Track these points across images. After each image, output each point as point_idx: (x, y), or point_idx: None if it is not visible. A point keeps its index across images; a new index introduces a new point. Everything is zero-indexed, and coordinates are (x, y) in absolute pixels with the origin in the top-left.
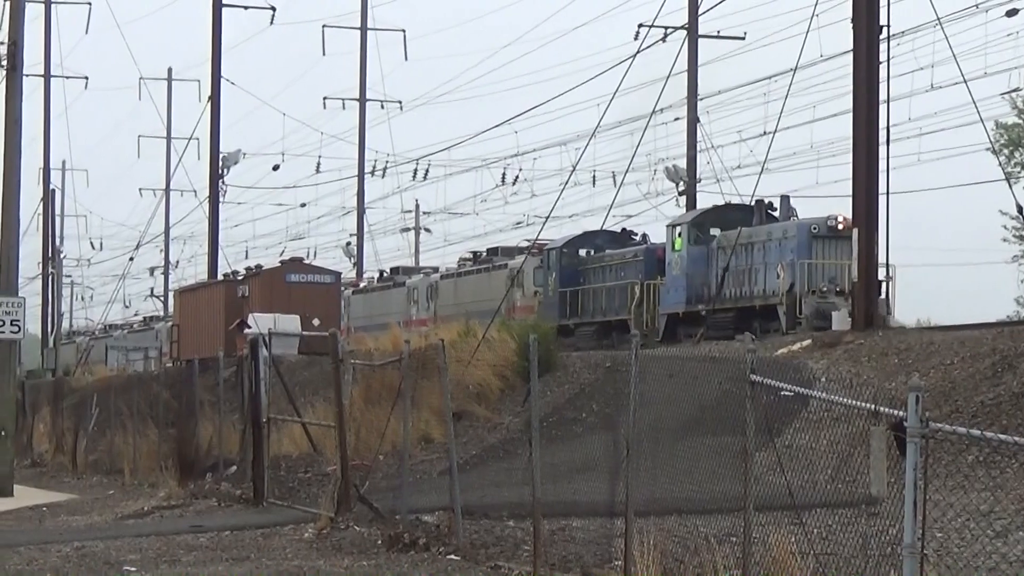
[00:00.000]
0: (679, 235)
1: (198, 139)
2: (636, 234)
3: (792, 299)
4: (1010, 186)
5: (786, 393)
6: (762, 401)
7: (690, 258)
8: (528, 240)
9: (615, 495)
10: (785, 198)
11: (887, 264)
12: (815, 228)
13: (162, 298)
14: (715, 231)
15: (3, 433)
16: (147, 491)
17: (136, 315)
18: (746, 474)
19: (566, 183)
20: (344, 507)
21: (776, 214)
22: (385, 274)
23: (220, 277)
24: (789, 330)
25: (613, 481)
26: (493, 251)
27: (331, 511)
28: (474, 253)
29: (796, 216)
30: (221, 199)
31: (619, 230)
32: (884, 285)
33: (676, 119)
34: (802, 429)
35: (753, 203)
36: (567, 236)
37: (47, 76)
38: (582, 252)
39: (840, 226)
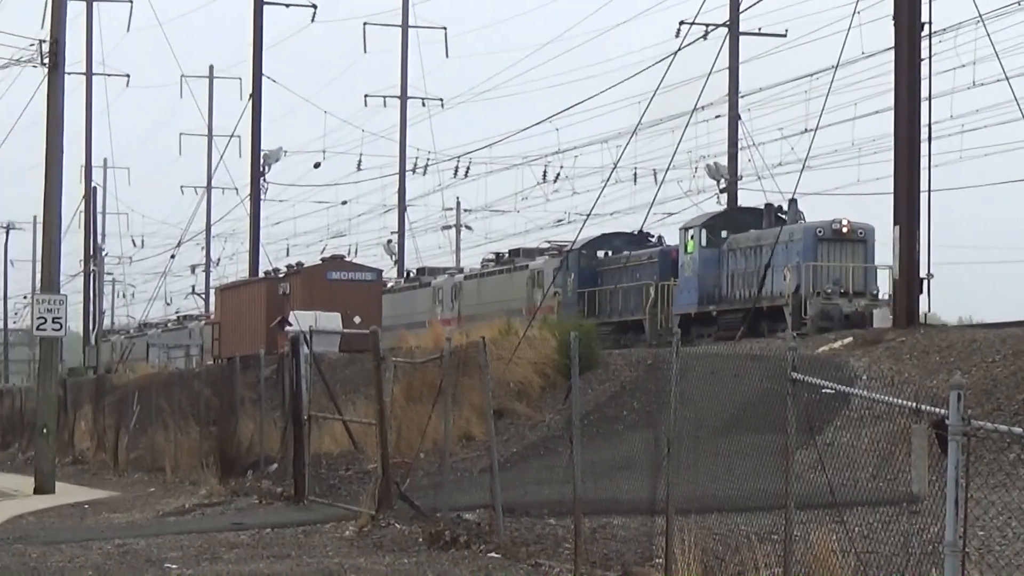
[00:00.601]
0: (691, 238)
1: (239, 137)
2: (652, 236)
3: (798, 300)
4: None
5: (827, 391)
6: (803, 399)
7: (702, 260)
8: (549, 241)
9: (656, 493)
10: (793, 202)
11: (928, 262)
12: (820, 231)
13: (203, 296)
14: (726, 233)
15: (45, 431)
16: (188, 488)
17: (176, 312)
18: (787, 472)
19: (607, 180)
20: (385, 505)
21: (785, 217)
22: (411, 274)
23: (261, 275)
24: (795, 330)
25: (654, 479)
26: (515, 252)
27: (372, 509)
28: (497, 254)
29: (803, 219)
30: (262, 197)
31: (635, 232)
32: (925, 283)
33: (717, 116)
34: (843, 427)
35: (763, 206)
36: (586, 238)
37: (89, 74)
38: (600, 253)
39: (845, 229)
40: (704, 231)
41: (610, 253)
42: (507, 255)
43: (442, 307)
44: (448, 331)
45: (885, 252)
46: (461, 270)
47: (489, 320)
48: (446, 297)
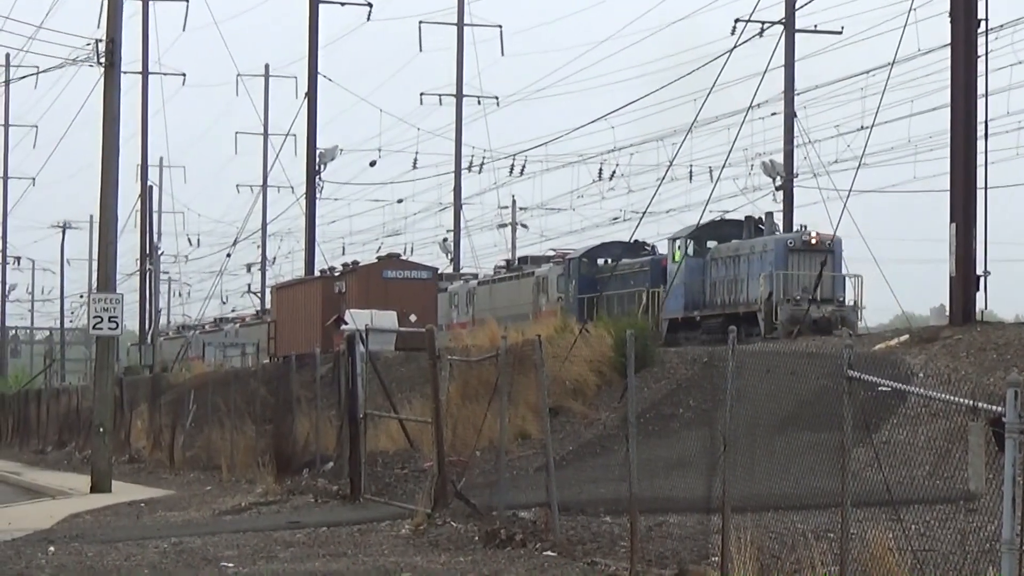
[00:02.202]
0: (678, 248)
1: (295, 135)
2: (648, 245)
3: (770, 306)
4: None
5: (884, 389)
6: (859, 397)
7: (687, 268)
8: (554, 250)
9: (712, 491)
10: (769, 215)
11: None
12: (791, 242)
13: (259, 294)
14: (712, 243)
15: (101, 430)
16: (244, 487)
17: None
18: (843, 470)
19: (663, 178)
20: (441, 503)
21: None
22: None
23: (317, 273)
24: (767, 335)
25: (710, 477)
26: (523, 260)
27: (428, 507)
28: (507, 261)
29: (778, 232)
30: (318, 195)
31: (632, 241)
32: (981, 280)
33: (773, 114)
34: (900, 425)
35: (744, 219)
36: (585, 247)
37: (144, 73)
38: (600, 261)
39: (813, 241)
40: (690, 242)
41: (609, 261)
42: (517, 263)
43: (458, 311)
44: (463, 334)
45: (852, 263)
46: (476, 276)
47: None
48: (461, 302)
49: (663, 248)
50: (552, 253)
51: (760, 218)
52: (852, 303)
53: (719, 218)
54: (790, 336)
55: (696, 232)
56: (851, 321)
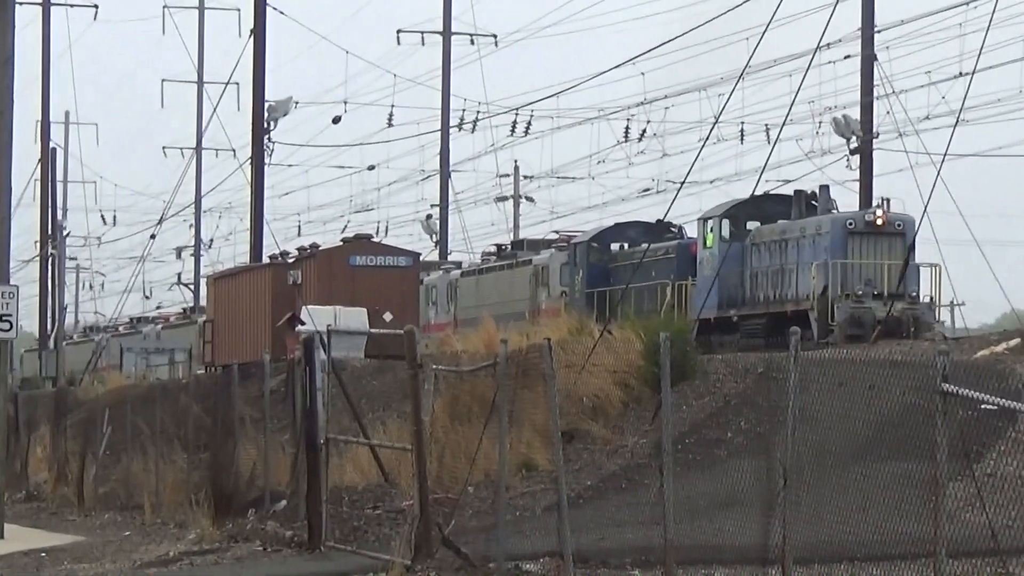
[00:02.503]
0: (711, 230)
1: (238, 84)
2: (675, 226)
3: (824, 304)
4: None
5: (988, 407)
6: (957, 417)
7: (722, 256)
8: (558, 232)
9: (769, 537)
10: (825, 188)
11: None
12: (851, 223)
13: (192, 286)
14: (753, 225)
15: None
16: (173, 532)
17: (157, 308)
18: (936, 510)
19: (706, 139)
20: (423, 552)
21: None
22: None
23: (266, 260)
24: (821, 339)
25: (766, 519)
26: (518, 244)
27: (407, 558)
28: (499, 246)
29: (836, 209)
30: (267, 160)
31: (655, 220)
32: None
33: (847, 57)
34: (1009, 453)
35: (793, 193)
36: (597, 228)
37: (46, 3)
38: (614, 247)
39: (879, 221)
40: (726, 222)
41: (626, 246)
42: (509, 248)
43: (436, 309)
44: (441, 338)
45: (948, 247)
46: (459, 265)
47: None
48: (441, 298)
49: (693, 231)
50: (555, 236)
51: (813, 192)
52: (928, 299)
53: (765, 192)
54: (872, 340)
55: (733, 210)
56: (926, 322)
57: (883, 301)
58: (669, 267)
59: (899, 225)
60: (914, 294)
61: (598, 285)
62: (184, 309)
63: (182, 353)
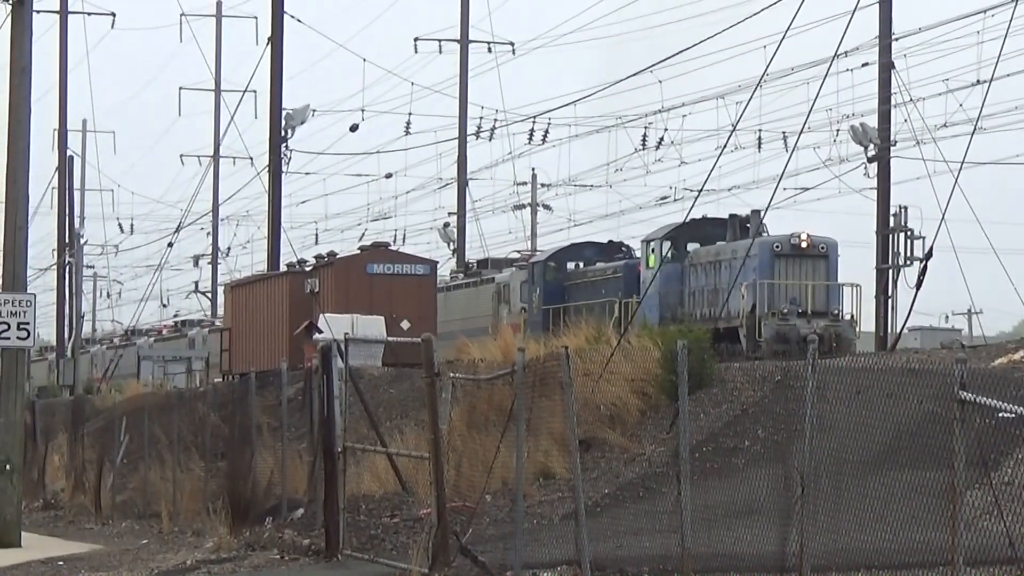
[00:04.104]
0: (652, 251)
1: (255, 92)
2: (624, 246)
3: (752, 321)
4: None
5: (1006, 415)
6: (975, 425)
7: (663, 276)
8: (518, 252)
9: (787, 545)
10: (756, 212)
11: None
12: (778, 247)
13: (209, 295)
14: (693, 246)
15: (8, 467)
16: (190, 540)
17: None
18: (954, 519)
19: (724, 147)
20: (441, 561)
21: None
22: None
23: (283, 268)
24: (751, 354)
25: (784, 528)
26: (483, 263)
27: (424, 566)
28: (467, 264)
29: (766, 233)
30: (284, 168)
31: (607, 241)
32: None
33: (864, 65)
34: None
35: (728, 217)
36: (553, 248)
37: (64, 12)
38: (570, 265)
39: (804, 244)
40: (667, 244)
41: (581, 265)
42: (475, 266)
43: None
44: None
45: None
46: None
47: (450, 340)
48: None
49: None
50: (516, 255)
51: (747, 216)
52: (849, 317)
53: (703, 216)
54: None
55: (673, 233)
56: (847, 339)
57: (807, 319)
58: (617, 285)
59: (822, 248)
60: (836, 312)
61: (554, 302)
62: (174, 323)
63: (199, 361)
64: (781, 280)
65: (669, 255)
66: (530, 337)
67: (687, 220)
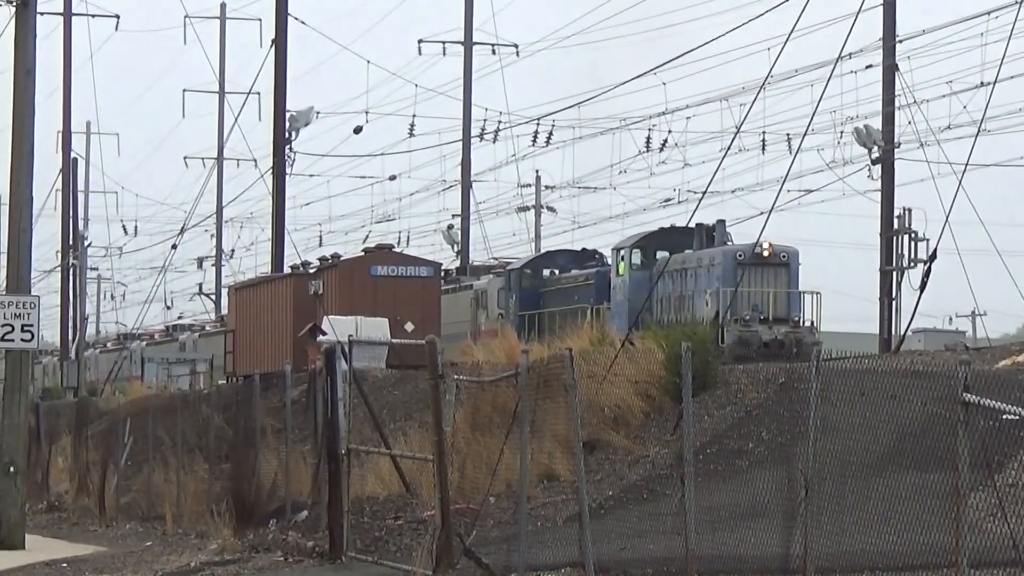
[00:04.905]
0: (622, 259)
1: (259, 94)
2: (597, 254)
3: (716, 328)
4: None
5: (1010, 417)
6: (978, 427)
7: (632, 283)
8: (496, 259)
9: (790, 547)
10: (721, 222)
11: None
12: (741, 255)
13: (213, 297)
14: (662, 254)
15: (12, 469)
16: (194, 543)
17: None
18: (958, 521)
19: (728, 149)
20: (445, 563)
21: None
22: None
23: (287, 270)
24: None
25: (788, 529)
26: (461, 270)
27: (429, 567)
28: (446, 272)
29: (731, 241)
30: (288, 170)
31: (582, 249)
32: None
33: (868, 67)
34: None
35: (695, 226)
36: (529, 256)
37: (67, 14)
38: (546, 272)
39: (766, 253)
40: (636, 252)
41: (556, 272)
42: (455, 273)
43: None
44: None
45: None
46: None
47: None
48: None
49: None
50: (495, 262)
51: (713, 225)
52: (809, 323)
53: (672, 225)
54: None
55: (642, 241)
56: (807, 344)
57: (768, 325)
58: (589, 292)
59: (784, 256)
60: (796, 319)
61: (530, 308)
62: (165, 328)
63: (204, 364)
64: (744, 287)
65: (639, 262)
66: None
67: (657, 229)
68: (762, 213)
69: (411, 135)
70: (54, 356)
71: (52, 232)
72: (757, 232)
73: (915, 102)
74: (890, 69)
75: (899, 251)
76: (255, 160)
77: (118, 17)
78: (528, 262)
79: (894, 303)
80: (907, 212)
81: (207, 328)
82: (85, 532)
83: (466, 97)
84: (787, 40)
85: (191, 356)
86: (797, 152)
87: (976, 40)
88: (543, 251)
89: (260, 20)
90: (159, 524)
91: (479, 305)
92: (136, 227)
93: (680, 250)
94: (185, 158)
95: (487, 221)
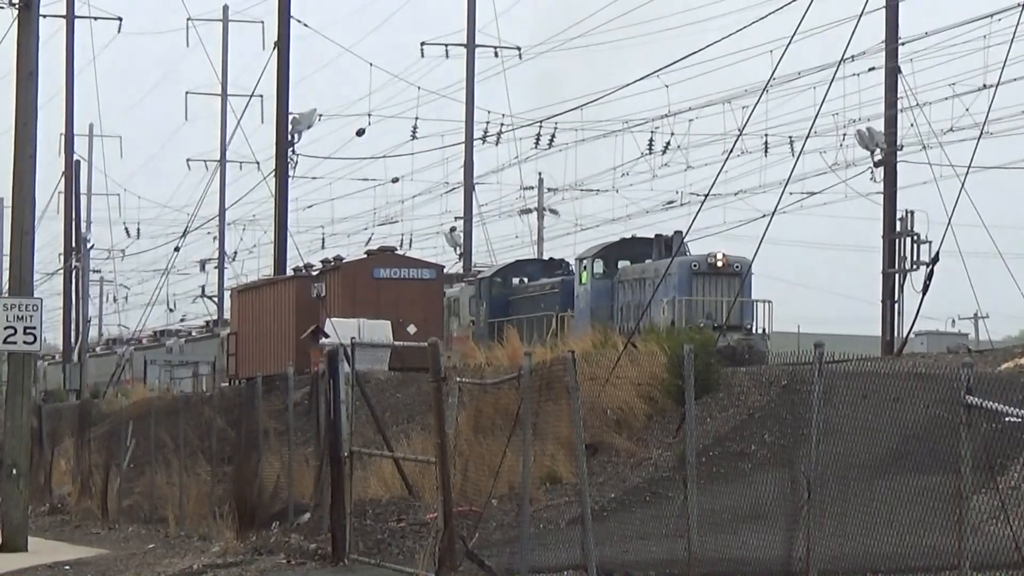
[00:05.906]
0: (585, 268)
1: (262, 96)
2: (565, 263)
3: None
4: None
5: (1012, 419)
6: (981, 430)
7: (594, 291)
8: (475, 265)
9: (793, 550)
10: (678, 233)
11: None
12: (695, 266)
13: (216, 299)
14: (623, 264)
15: (15, 471)
16: (197, 545)
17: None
18: (960, 523)
19: (730, 151)
20: (448, 565)
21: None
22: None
23: (290, 272)
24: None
25: (790, 532)
26: (464, 272)
27: (431, 570)
28: None
29: (687, 252)
30: (291, 173)
31: (549, 258)
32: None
33: (871, 69)
34: None
35: (654, 237)
36: (499, 264)
37: (70, 16)
38: (515, 281)
39: (719, 263)
40: (598, 261)
41: (525, 280)
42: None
43: None
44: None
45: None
46: None
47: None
48: None
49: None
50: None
51: (670, 237)
52: (762, 331)
53: (633, 236)
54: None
55: (604, 251)
56: (760, 351)
57: (721, 332)
58: (555, 300)
59: (737, 267)
60: (749, 326)
61: (499, 315)
62: (153, 333)
63: (206, 366)
64: (698, 296)
65: (600, 272)
66: (475, 348)
67: (619, 239)
68: (764, 215)
69: (414, 137)
70: (45, 362)
71: (54, 234)
72: (759, 235)
73: (918, 104)
74: (893, 71)
75: (902, 253)
76: (258, 163)
77: (121, 20)
78: (498, 271)
79: (897, 306)
80: (909, 214)
81: (193, 333)
82: (88, 534)
83: (469, 99)
84: (790, 43)
85: (194, 359)
86: (799, 154)
87: (979, 43)
88: (514, 260)
89: (263, 23)
90: (162, 526)
91: (451, 312)
92: (139, 229)
93: (640, 260)
94: (188, 160)
95: (489, 224)
